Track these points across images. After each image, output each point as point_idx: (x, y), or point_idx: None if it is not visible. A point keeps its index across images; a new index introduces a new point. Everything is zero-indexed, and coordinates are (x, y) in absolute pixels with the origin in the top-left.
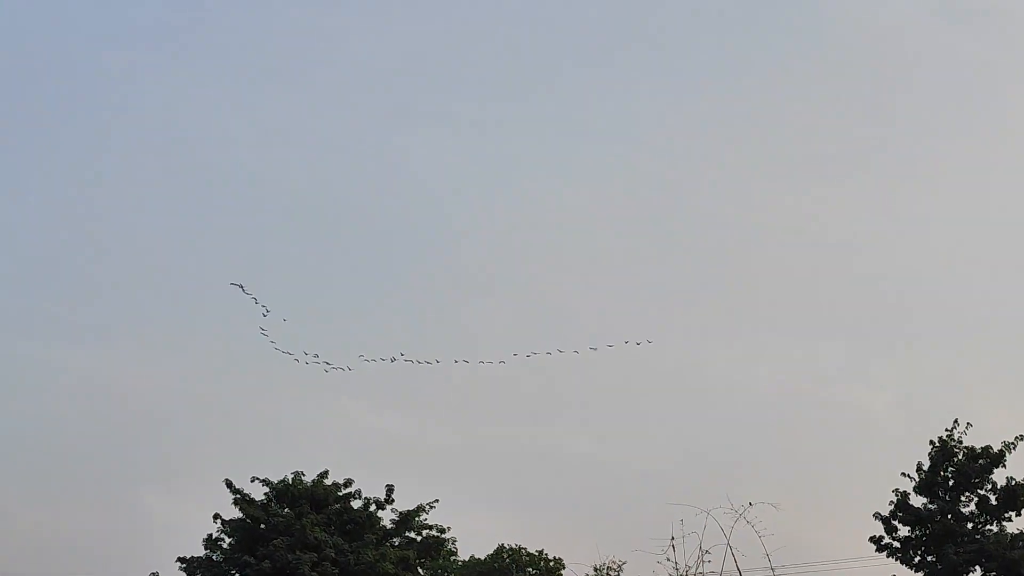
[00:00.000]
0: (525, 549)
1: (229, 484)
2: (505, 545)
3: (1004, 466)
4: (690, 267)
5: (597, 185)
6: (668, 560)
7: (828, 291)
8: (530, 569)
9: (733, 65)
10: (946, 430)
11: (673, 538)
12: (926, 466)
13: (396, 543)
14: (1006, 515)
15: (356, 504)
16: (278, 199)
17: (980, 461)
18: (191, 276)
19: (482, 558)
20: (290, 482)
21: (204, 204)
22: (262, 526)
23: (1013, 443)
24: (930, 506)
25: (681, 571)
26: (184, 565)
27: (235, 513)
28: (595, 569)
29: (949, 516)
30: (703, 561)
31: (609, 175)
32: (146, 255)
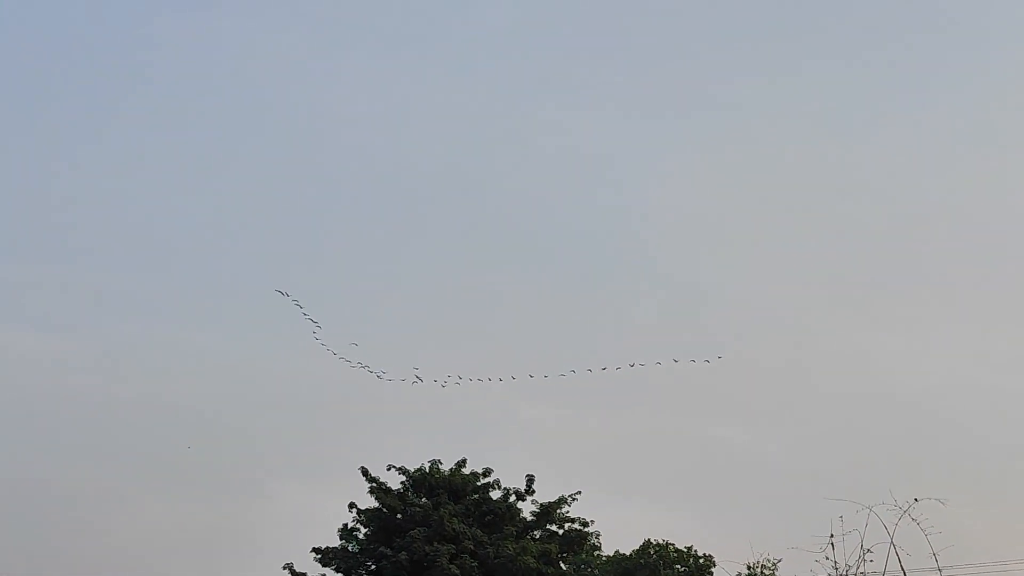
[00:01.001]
0: (673, 545)
1: (365, 472)
2: (652, 540)
3: None
4: (853, 251)
5: (749, 164)
6: (827, 558)
7: (999, 277)
8: (678, 566)
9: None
10: None
11: (832, 535)
12: None
13: (537, 536)
14: None
15: (495, 495)
16: (405, 178)
17: None
18: (320, 258)
19: (627, 553)
20: (427, 471)
21: (329, 185)
22: (398, 516)
23: None
24: None
25: (841, 570)
26: (319, 556)
27: (371, 502)
28: (748, 567)
29: None
30: (864, 560)
31: (762, 153)
32: (273, 239)
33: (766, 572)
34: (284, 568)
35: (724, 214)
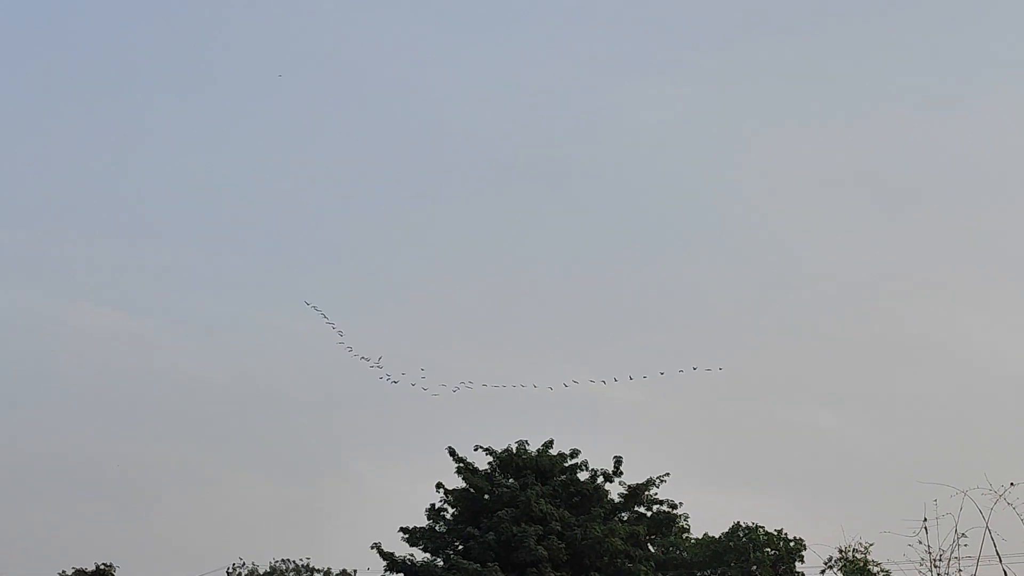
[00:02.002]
0: (763, 528)
1: (452, 453)
2: (741, 523)
3: None
4: (942, 232)
5: (830, 140)
6: (920, 543)
7: None
8: (768, 549)
9: None
10: None
11: (926, 519)
12: None
13: (625, 518)
14: None
15: (583, 476)
16: (485, 156)
17: None
18: (406, 237)
19: (716, 536)
20: (514, 451)
21: (423, 167)
22: (486, 497)
23: None
24: None
25: (934, 555)
26: (407, 536)
27: (458, 483)
28: (840, 551)
29: None
30: (959, 545)
31: (844, 128)
32: (362, 218)
33: (858, 556)
34: (372, 548)
35: (820, 194)
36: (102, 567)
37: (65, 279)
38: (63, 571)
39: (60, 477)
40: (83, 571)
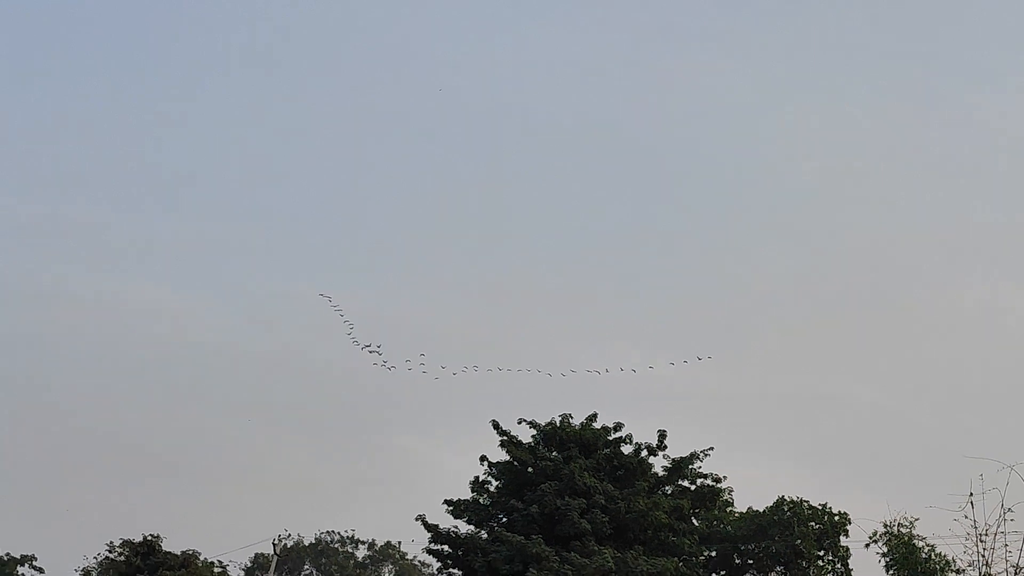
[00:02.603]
0: (807, 502)
1: (496, 425)
2: (786, 497)
3: None
4: (987, 203)
5: (896, 118)
6: (966, 517)
7: None
8: (813, 523)
9: None
10: None
11: (972, 494)
12: None
13: (669, 491)
14: None
15: (626, 449)
16: (543, 131)
17: None
18: (455, 210)
19: (761, 510)
20: (558, 425)
21: (483, 140)
22: (529, 469)
23: None
24: None
25: (980, 529)
26: (451, 508)
27: (502, 456)
28: (884, 525)
29: None
30: (1005, 519)
31: (903, 99)
32: (408, 189)
33: (902, 530)
34: (416, 520)
35: (872, 167)
36: (149, 538)
37: (108, 254)
38: (111, 542)
39: (107, 451)
40: (131, 542)
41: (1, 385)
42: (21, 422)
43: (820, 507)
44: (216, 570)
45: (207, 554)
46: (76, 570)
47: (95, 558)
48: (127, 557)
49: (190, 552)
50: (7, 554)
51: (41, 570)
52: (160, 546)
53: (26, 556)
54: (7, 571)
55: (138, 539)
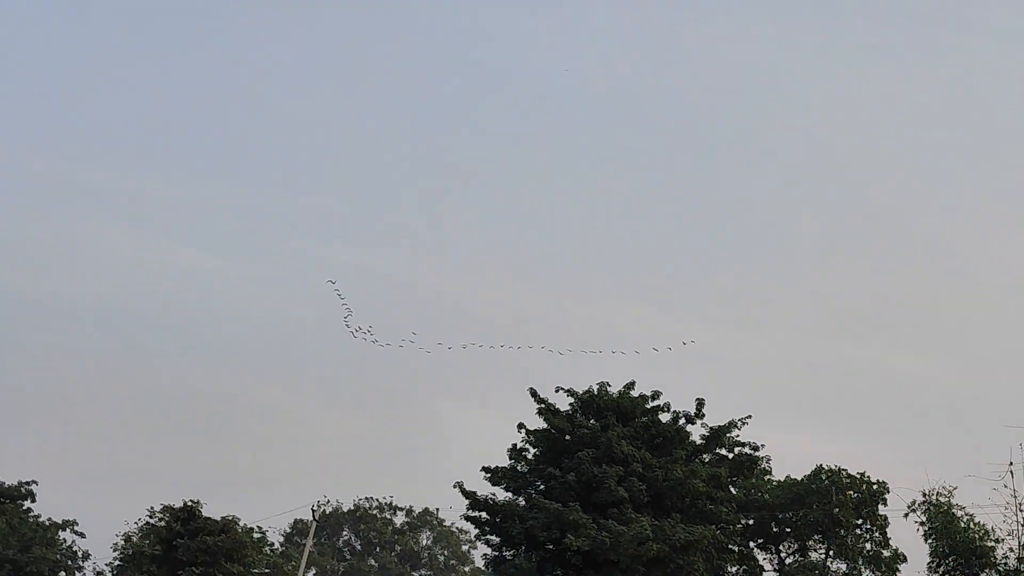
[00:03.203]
0: (846, 471)
1: (534, 393)
2: (824, 466)
3: None
4: None
5: (919, 79)
6: (1005, 487)
7: None
8: (851, 492)
9: None
10: None
11: (1011, 464)
12: None
13: (706, 459)
14: None
15: (664, 418)
16: (567, 97)
17: None
18: (500, 181)
19: (799, 479)
20: (595, 393)
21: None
22: (567, 437)
23: None
24: None
25: (1020, 499)
26: (489, 475)
27: (540, 423)
28: (923, 494)
29: None
30: None
31: (932, 66)
32: (437, 158)
33: (941, 500)
34: (454, 486)
35: (909, 131)
36: (189, 504)
37: (151, 218)
38: (151, 508)
39: (146, 416)
40: (171, 508)
41: (37, 348)
42: (59, 387)
43: (858, 476)
44: (256, 536)
45: (246, 520)
46: (117, 535)
47: (136, 523)
48: (167, 522)
49: (230, 518)
50: (49, 519)
51: (82, 534)
52: (200, 512)
53: (67, 521)
54: (49, 535)
55: (178, 505)
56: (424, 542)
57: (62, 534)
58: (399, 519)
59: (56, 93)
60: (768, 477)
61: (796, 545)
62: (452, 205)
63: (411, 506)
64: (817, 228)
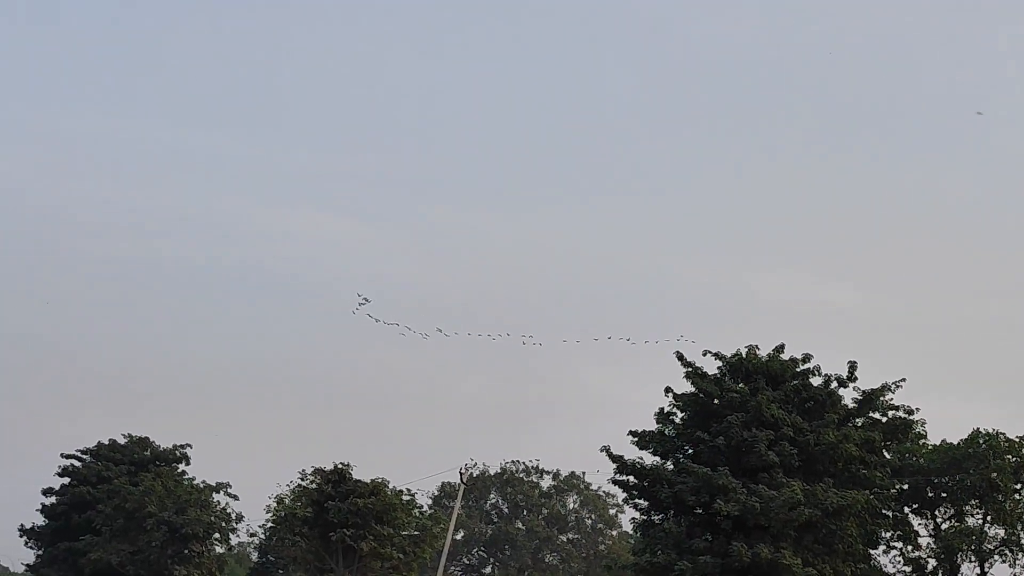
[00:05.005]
0: (1004, 435)
1: (680, 357)
2: (981, 430)
3: None
4: None
5: None
6: None
7: None
8: (1009, 456)
9: None
10: None
11: None
12: None
13: (859, 424)
14: None
15: (815, 381)
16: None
17: None
18: (630, 136)
19: (955, 443)
20: (744, 356)
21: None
22: (715, 401)
23: None
24: None
25: None
26: (636, 439)
27: (687, 387)
28: None
29: None
30: None
31: None
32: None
33: None
34: (601, 450)
35: None
36: (340, 466)
37: (288, 187)
38: (303, 470)
39: (295, 380)
40: (322, 470)
41: (188, 318)
42: (209, 354)
43: (1017, 440)
44: (405, 498)
45: (395, 483)
46: (269, 497)
47: (287, 485)
48: (319, 485)
49: (379, 480)
50: (203, 482)
51: (236, 497)
52: (350, 474)
53: (221, 483)
54: (203, 498)
55: (329, 468)
56: (571, 505)
57: (216, 496)
58: (546, 482)
59: (189, 65)
60: (923, 441)
61: (952, 510)
62: (597, 173)
63: (558, 469)
64: (970, 184)
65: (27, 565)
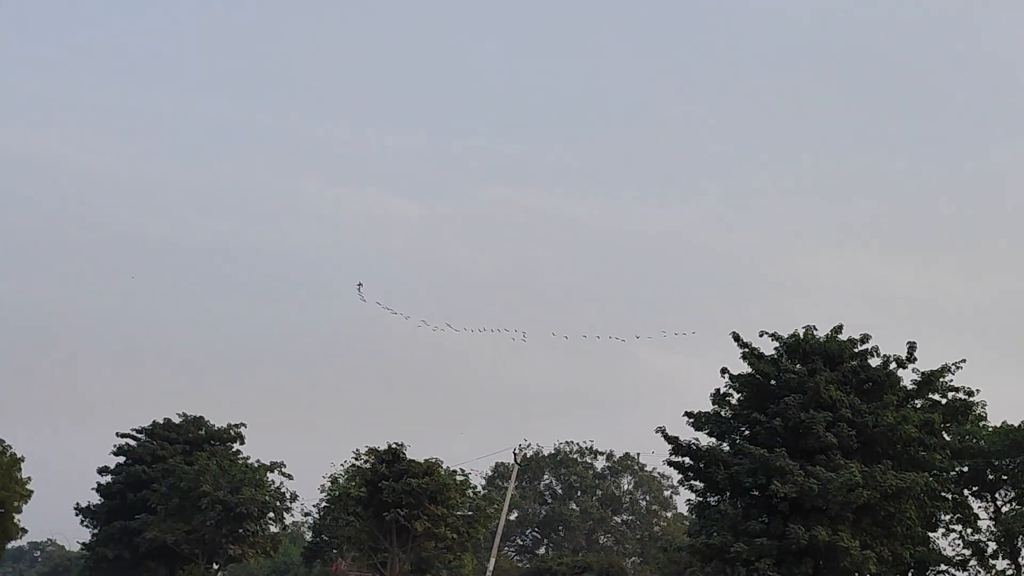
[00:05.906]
0: None
1: (737, 338)
2: None
3: None
4: None
5: None
6: None
7: None
8: None
9: None
10: None
11: None
12: None
13: (918, 405)
14: None
15: (874, 362)
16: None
17: None
18: (677, 127)
19: (1016, 425)
20: (802, 337)
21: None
22: (772, 382)
23: None
24: None
25: None
26: (691, 420)
27: (743, 368)
28: None
29: None
30: None
31: None
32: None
33: None
34: (657, 431)
35: None
36: (394, 446)
37: (348, 167)
38: (357, 450)
39: (351, 360)
40: (376, 450)
41: (243, 297)
42: (264, 334)
43: None
44: (459, 478)
45: (449, 463)
46: (324, 477)
47: (341, 465)
48: (373, 464)
49: (433, 460)
50: (258, 461)
51: (290, 476)
52: (404, 454)
53: (275, 463)
54: (257, 477)
55: (383, 447)
56: (625, 487)
57: (270, 475)
58: (600, 464)
59: (254, 48)
60: (983, 423)
61: (1013, 493)
62: (660, 157)
63: (611, 450)
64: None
65: (83, 544)
